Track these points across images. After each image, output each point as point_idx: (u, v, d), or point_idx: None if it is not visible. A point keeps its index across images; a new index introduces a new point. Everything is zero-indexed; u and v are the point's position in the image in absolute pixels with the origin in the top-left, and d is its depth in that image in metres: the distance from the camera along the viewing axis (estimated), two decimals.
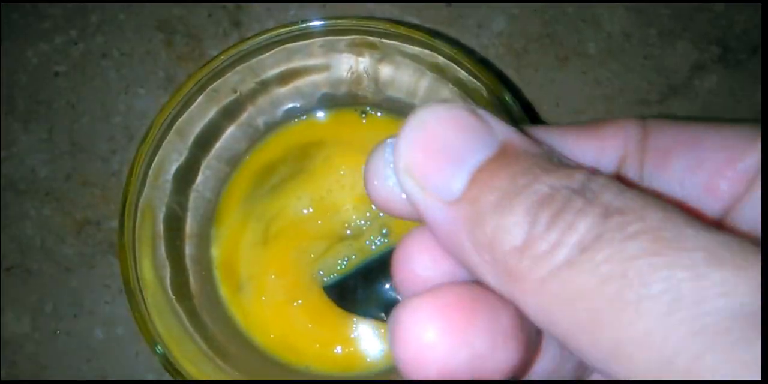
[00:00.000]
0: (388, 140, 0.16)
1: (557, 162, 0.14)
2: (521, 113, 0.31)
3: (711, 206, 0.15)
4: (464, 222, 0.13)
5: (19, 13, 0.45)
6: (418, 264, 0.16)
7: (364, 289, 0.35)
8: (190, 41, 0.44)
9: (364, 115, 0.37)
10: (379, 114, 0.37)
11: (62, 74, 0.44)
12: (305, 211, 0.36)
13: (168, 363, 0.30)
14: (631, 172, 0.17)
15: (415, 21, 0.43)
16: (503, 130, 0.14)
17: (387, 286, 0.34)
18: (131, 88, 0.44)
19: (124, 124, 0.44)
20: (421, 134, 0.14)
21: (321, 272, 0.35)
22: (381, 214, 0.37)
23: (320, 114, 0.37)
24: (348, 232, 0.36)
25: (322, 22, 0.32)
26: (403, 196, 0.15)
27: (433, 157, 0.14)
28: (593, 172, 0.13)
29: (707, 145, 0.15)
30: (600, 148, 0.18)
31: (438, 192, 0.13)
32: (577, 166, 0.13)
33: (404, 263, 0.16)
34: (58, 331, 0.41)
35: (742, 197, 0.15)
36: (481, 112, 0.14)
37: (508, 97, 0.31)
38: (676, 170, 0.16)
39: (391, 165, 0.15)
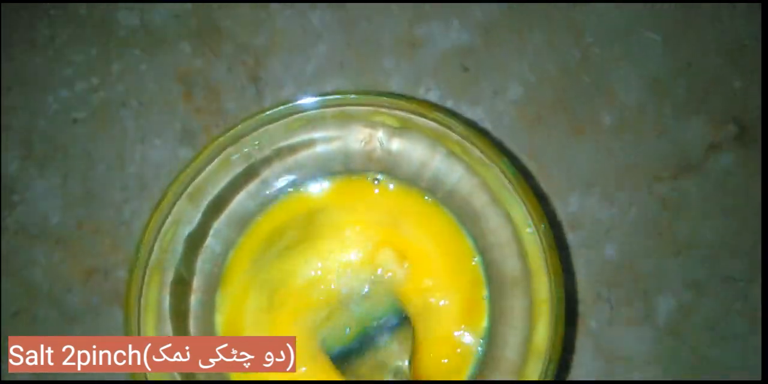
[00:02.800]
0: None
1: None
2: (529, 195, 0.31)
3: None
4: None
5: (43, 58, 0.46)
6: None
7: (371, 357, 0.35)
8: (209, 94, 0.45)
9: (376, 183, 0.38)
10: (390, 186, 0.37)
11: (81, 121, 0.45)
12: (311, 274, 0.37)
13: None
14: None
15: (431, 84, 0.44)
16: None
17: (397, 358, 0.34)
18: (147, 138, 0.45)
19: (138, 173, 0.44)
20: None
21: (325, 341, 0.35)
22: (387, 276, 0.37)
23: (331, 181, 0.37)
24: (353, 297, 0.36)
25: (339, 96, 0.33)
26: None
27: None
28: None
29: None
30: None
31: None
32: None
33: None
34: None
35: None
36: None
37: (516, 177, 0.31)
38: None
39: None
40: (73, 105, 0.45)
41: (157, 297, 0.33)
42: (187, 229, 0.34)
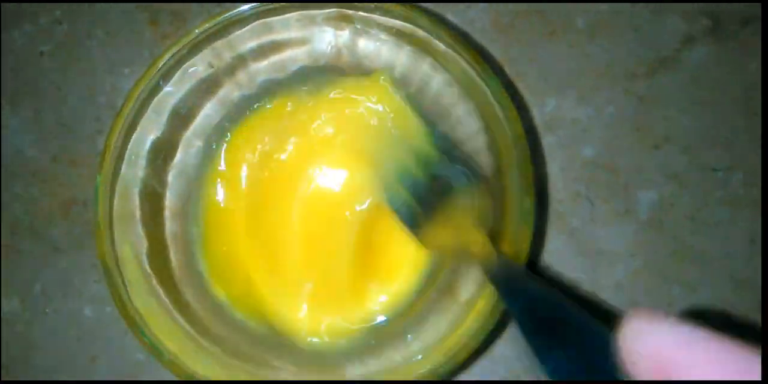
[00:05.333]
0: None
1: None
2: (499, 85, 0.31)
3: None
4: None
5: None
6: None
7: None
8: (175, 20, 0.44)
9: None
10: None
11: (47, 54, 0.44)
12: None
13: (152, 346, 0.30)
14: None
15: None
16: None
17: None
18: (116, 67, 0.44)
19: (109, 104, 0.44)
20: None
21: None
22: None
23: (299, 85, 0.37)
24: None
25: None
26: None
27: None
28: None
29: None
30: None
31: None
32: None
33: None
34: (47, 311, 0.41)
35: None
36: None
37: (486, 68, 0.31)
38: None
39: None
40: (39, 38, 0.45)
41: (128, 211, 0.33)
42: (150, 140, 0.33)
